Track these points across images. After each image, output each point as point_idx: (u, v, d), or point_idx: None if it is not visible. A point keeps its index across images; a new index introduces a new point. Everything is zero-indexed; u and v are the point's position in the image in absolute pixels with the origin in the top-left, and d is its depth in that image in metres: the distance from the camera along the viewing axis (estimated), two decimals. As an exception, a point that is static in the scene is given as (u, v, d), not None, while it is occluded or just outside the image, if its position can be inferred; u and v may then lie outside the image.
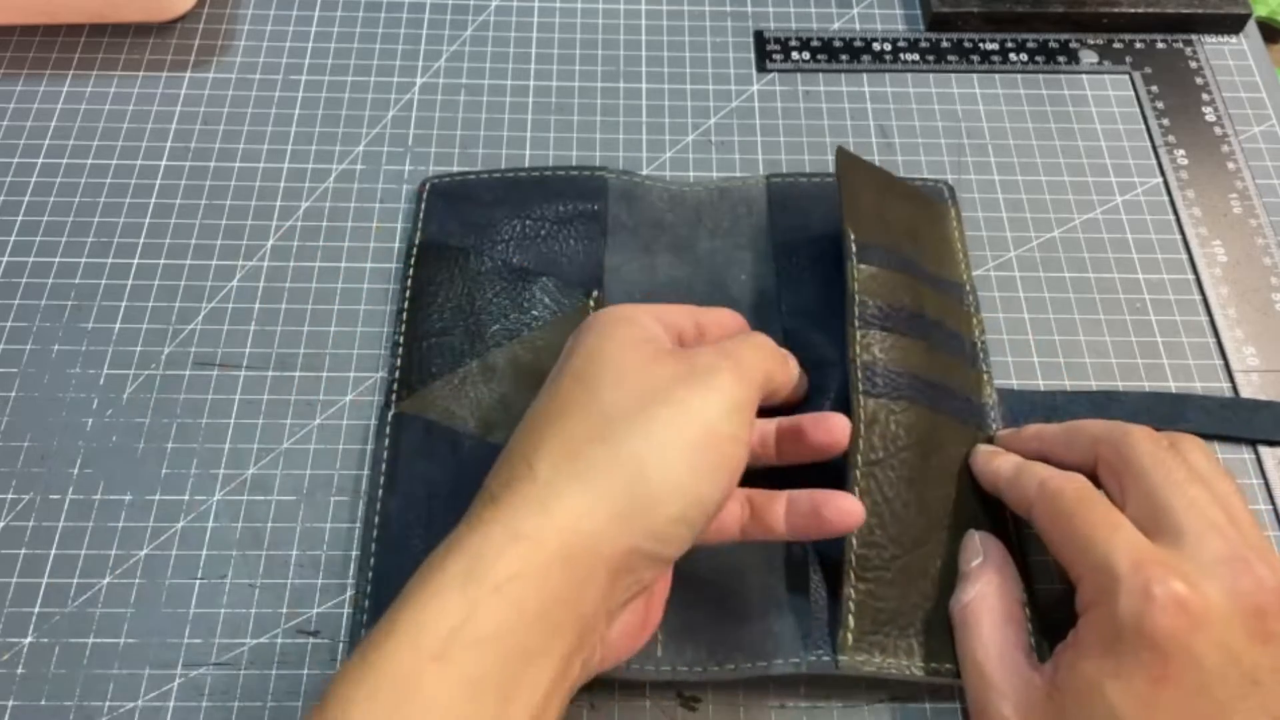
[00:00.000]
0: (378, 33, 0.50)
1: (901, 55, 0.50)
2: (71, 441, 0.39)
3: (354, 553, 0.36)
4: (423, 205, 0.43)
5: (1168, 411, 0.39)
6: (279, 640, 0.35)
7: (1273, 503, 0.38)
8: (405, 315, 0.40)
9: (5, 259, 0.43)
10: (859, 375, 0.35)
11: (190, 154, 0.46)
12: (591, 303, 0.40)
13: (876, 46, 0.50)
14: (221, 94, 0.48)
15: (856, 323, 0.36)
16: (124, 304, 0.42)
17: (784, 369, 0.33)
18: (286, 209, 0.45)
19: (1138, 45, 0.50)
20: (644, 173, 0.45)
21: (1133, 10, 0.50)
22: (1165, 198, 0.46)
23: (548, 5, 0.52)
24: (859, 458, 0.34)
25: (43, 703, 0.34)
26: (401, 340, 0.40)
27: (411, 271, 0.42)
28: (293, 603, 0.36)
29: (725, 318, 0.35)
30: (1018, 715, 0.30)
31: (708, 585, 0.34)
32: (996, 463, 0.35)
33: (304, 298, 0.42)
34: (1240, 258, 0.44)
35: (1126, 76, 0.50)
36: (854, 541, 0.33)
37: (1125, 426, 0.33)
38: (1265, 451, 0.39)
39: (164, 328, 0.41)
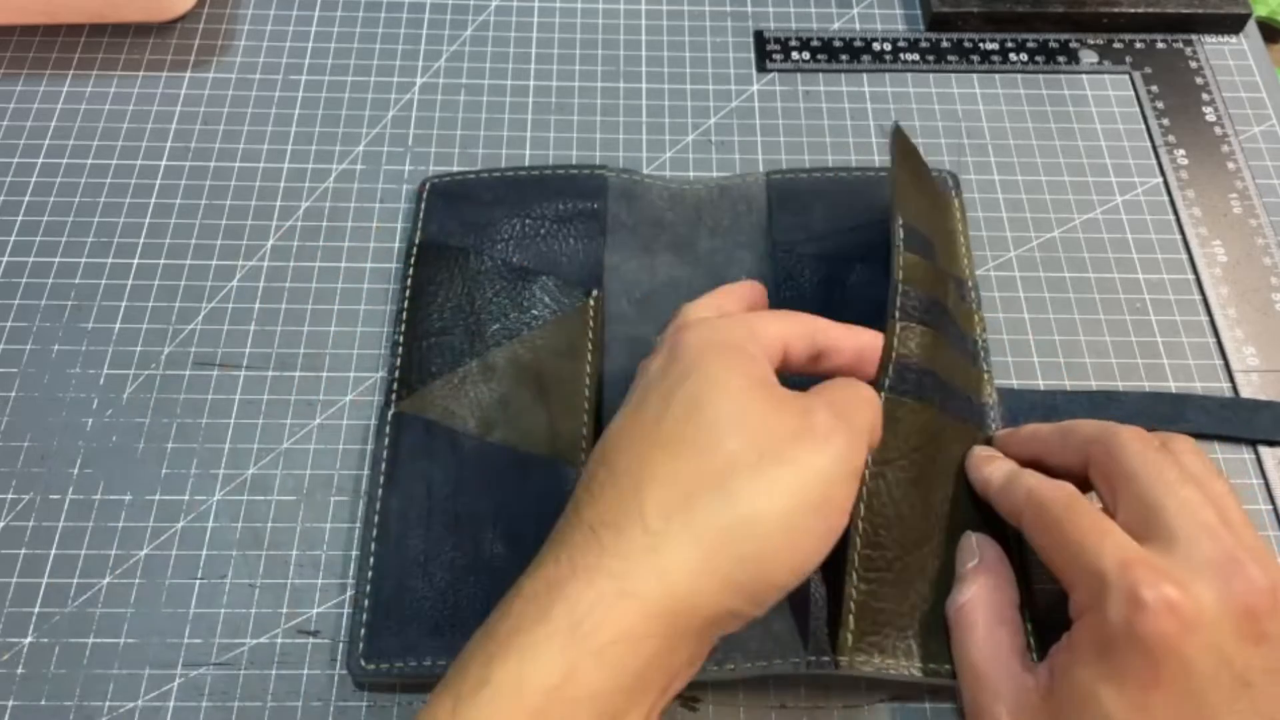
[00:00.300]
0: (378, 33, 0.50)
1: (901, 55, 0.50)
2: (71, 441, 0.39)
3: (354, 553, 0.36)
4: (423, 205, 0.43)
5: (1167, 411, 0.39)
6: (279, 640, 0.35)
7: (1273, 503, 0.38)
8: (405, 315, 0.40)
9: (5, 259, 0.43)
10: (890, 372, 0.34)
11: (190, 154, 0.46)
12: (591, 302, 0.40)
13: (876, 46, 0.50)
14: (221, 94, 0.48)
15: (898, 314, 0.34)
16: (124, 304, 0.42)
17: (879, 419, 0.33)
18: (286, 209, 0.45)
19: (1138, 45, 0.50)
20: (644, 172, 0.45)
21: (1133, 10, 0.50)
22: (1165, 198, 0.46)
23: (548, 5, 0.52)
24: (870, 457, 0.33)
25: (43, 703, 0.34)
26: (401, 340, 0.40)
27: (411, 271, 0.42)
28: (293, 603, 0.36)
29: (846, 343, 0.33)
30: (1012, 718, 0.30)
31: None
32: (987, 470, 0.34)
33: (304, 298, 0.42)
34: (1240, 258, 0.44)
35: (1126, 76, 0.50)
36: (858, 542, 0.33)
37: (1116, 427, 0.32)
38: (1265, 451, 0.39)
39: (164, 328, 0.41)
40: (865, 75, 0.49)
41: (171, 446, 0.39)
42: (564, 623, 0.25)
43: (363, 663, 0.33)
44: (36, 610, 0.35)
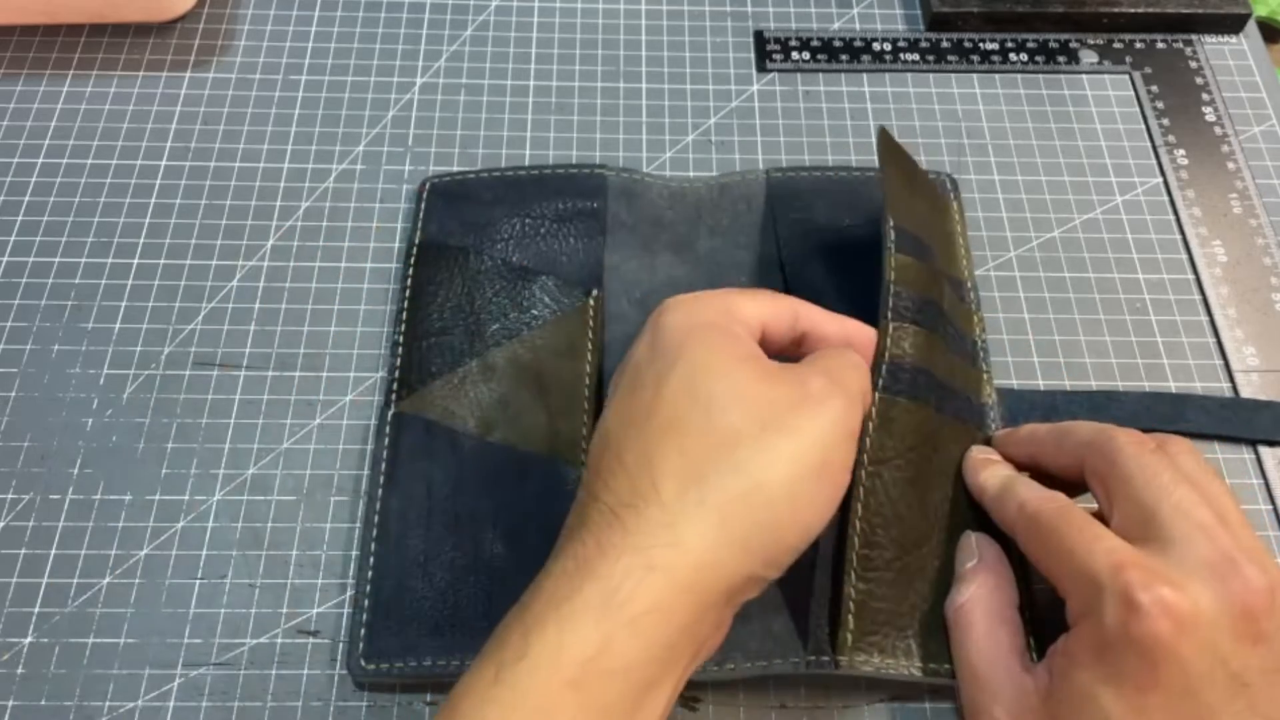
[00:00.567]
0: (378, 33, 0.50)
1: (901, 55, 0.50)
2: (71, 441, 0.39)
3: (354, 553, 0.36)
4: (423, 205, 0.43)
5: (1167, 412, 0.39)
6: (279, 640, 0.35)
7: (1273, 502, 0.38)
8: (405, 315, 0.40)
9: (5, 259, 0.43)
10: (883, 372, 0.34)
11: (190, 154, 0.46)
12: (591, 302, 0.40)
13: (876, 46, 0.50)
14: (221, 94, 0.48)
15: (890, 314, 0.35)
16: (124, 304, 0.42)
17: (869, 383, 0.33)
18: (286, 209, 0.45)
19: (1138, 45, 0.50)
20: (644, 171, 0.45)
21: (1133, 10, 0.50)
22: (1165, 198, 0.46)
23: (548, 5, 0.52)
24: (865, 456, 0.34)
25: (43, 703, 0.34)
26: (401, 340, 0.40)
27: (411, 271, 0.42)
28: (293, 603, 0.36)
29: (830, 328, 0.34)
30: (1010, 718, 0.30)
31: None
32: (982, 477, 0.34)
33: (304, 298, 0.42)
34: (1240, 258, 0.44)
35: (1126, 76, 0.50)
36: (856, 542, 0.33)
37: (1112, 430, 0.32)
38: (1265, 451, 0.39)
39: (164, 328, 0.41)
40: (865, 75, 0.49)
41: (171, 446, 0.39)
42: (597, 597, 0.26)
43: (363, 663, 0.33)
44: (36, 610, 0.35)
